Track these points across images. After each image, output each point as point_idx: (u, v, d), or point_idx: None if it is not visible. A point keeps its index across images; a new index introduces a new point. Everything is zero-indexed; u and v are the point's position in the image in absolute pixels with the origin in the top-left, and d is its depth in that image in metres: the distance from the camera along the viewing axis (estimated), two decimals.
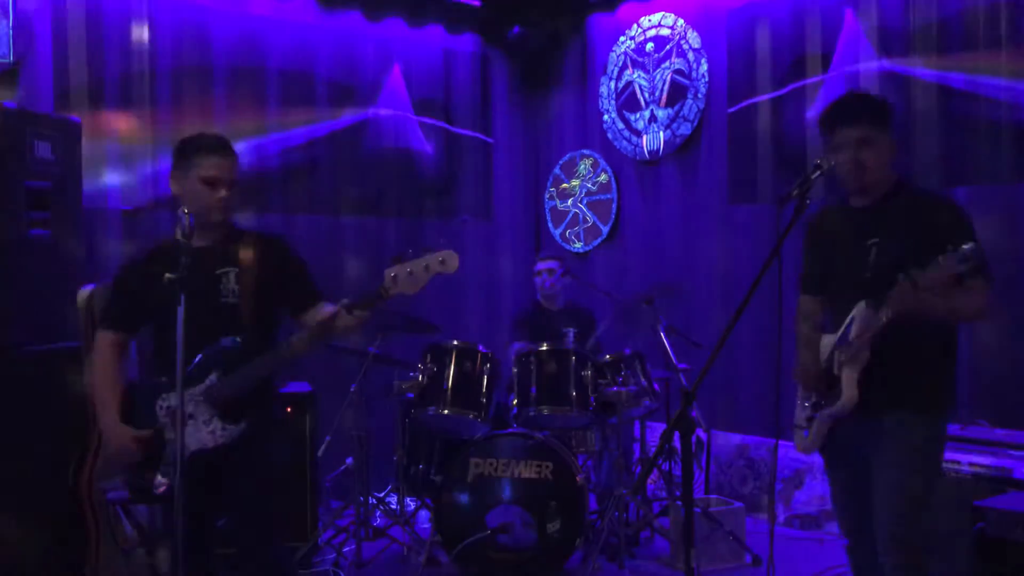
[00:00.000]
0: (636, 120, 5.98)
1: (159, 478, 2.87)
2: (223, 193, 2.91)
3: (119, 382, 2.95)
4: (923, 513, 2.69)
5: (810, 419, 2.89)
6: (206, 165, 2.91)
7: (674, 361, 4.46)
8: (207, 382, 2.86)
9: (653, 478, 5.25)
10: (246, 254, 2.96)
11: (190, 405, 2.84)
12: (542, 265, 5.20)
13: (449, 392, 4.23)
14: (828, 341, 2.86)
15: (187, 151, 2.95)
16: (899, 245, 2.67)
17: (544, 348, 4.38)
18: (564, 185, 6.55)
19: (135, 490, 2.81)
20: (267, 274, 2.97)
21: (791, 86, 5.08)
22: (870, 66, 4.67)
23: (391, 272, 2.72)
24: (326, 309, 2.92)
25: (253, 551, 2.93)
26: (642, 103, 5.94)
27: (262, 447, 2.96)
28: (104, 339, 3.00)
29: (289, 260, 3.07)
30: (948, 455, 3.65)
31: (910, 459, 2.69)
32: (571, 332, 4.57)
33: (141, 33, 5.02)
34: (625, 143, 6.07)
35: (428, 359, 4.33)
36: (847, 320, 2.74)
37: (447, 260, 2.73)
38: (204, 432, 2.85)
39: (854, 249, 2.78)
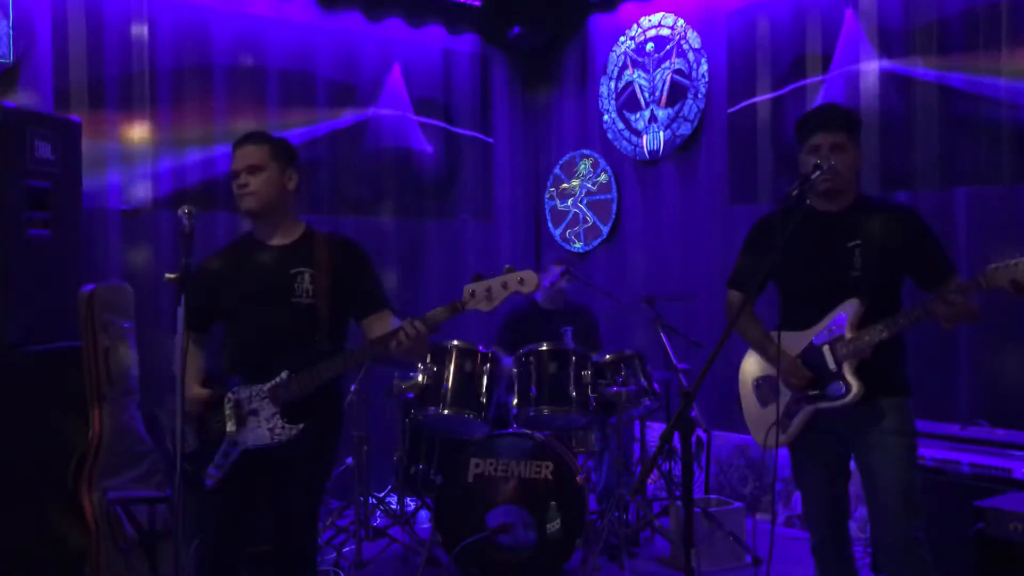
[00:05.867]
0: (636, 120, 5.98)
1: (211, 470, 2.90)
2: (238, 180, 2.94)
3: (196, 367, 2.99)
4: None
5: (789, 414, 2.97)
6: (233, 161, 2.99)
7: (674, 361, 4.46)
8: (276, 380, 2.87)
9: (653, 478, 5.25)
10: (321, 255, 2.98)
11: (255, 401, 2.88)
12: (558, 271, 5.07)
13: (449, 392, 4.23)
14: (793, 338, 2.95)
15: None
16: (883, 247, 2.85)
17: (544, 348, 4.37)
18: (564, 185, 6.55)
19: (188, 481, 2.83)
20: (339, 276, 2.98)
21: (791, 86, 5.08)
22: (870, 66, 4.67)
23: (469, 288, 2.77)
24: (392, 323, 2.93)
25: (290, 567, 2.95)
26: (642, 103, 5.94)
27: (317, 460, 2.98)
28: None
29: (359, 263, 3.08)
30: (948, 455, 3.66)
31: (909, 441, 2.90)
32: (568, 332, 4.56)
33: (141, 33, 5.01)
34: (625, 143, 6.07)
35: (428, 359, 4.32)
36: (831, 316, 2.88)
37: (526, 280, 2.76)
38: (264, 428, 2.87)
39: (834, 251, 2.89)
